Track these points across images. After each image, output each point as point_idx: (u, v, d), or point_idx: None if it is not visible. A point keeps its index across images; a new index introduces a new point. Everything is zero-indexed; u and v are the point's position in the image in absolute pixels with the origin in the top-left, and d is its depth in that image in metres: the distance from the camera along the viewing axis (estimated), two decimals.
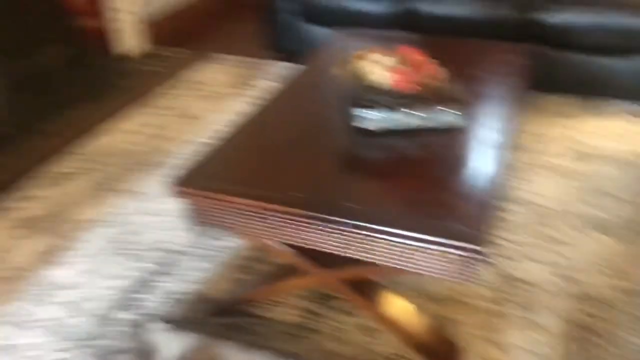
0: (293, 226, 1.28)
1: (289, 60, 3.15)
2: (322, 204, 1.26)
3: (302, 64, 1.97)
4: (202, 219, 1.39)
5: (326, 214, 1.23)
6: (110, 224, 2.04)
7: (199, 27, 3.75)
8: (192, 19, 3.77)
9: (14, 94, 2.41)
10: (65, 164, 2.38)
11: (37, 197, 2.19)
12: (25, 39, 2.60)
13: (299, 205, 1.26)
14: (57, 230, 2.03)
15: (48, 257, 1.91)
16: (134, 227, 2.03)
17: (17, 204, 2.16)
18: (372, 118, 1.48)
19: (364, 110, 1.48)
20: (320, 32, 2.99)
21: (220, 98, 2.88)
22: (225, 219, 1.35)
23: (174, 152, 2.44)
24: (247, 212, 1.31)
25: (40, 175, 2.31)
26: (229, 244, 1.93)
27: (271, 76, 3.05)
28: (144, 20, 3.24)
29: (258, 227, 1.32)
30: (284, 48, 3.14)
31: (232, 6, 4.16)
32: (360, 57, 1.53)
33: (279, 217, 1.28)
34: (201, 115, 2.73)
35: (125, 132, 2.61)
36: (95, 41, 2.85)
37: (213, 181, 1.35)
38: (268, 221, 1.30)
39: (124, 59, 3.08)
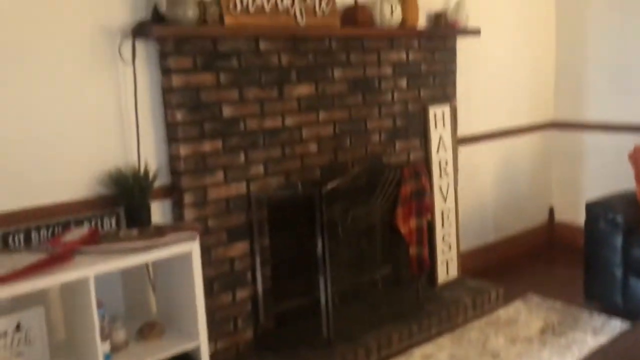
0: None
1: (610, 313, 2.89)
2: None
3: (626, 320, 1.80)
4: None
5: None
6: None
7: (511, 263, 3.79)
8: (504, 254, 3.85)
9: (342, 302, 2.76)
10: None
11: None
12: (369, 258, 3.06)
13: None
14: None
15: None
16: None
17: None
18: None
19: None
20: None
21: (526, 341, 2.75)
22: None
23: None
24: None
25: None
26: None
27: (588, 328, 2.81)
28: (459, 252, 3.45)
29: None
30: (605, 300, 2.93)
31: (547, 247, 4.12)
32: None
33: None
34: (505, 356, 2.63)
35: (427, 356, 2.66)
36: (415, 267, 3.13)
37: None
38: None
39: (436, 285, 3.27)
